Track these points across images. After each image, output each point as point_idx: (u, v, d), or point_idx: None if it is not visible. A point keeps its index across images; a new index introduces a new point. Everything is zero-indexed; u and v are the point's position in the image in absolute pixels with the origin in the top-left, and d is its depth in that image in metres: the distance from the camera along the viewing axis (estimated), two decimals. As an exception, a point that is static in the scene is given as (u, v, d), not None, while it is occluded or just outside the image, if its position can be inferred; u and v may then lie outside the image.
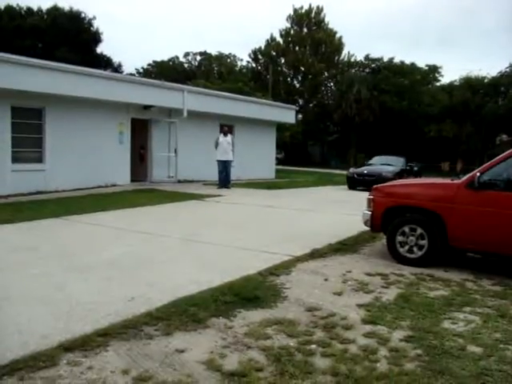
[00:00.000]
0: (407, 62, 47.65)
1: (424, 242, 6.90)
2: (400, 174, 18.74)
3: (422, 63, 49.47)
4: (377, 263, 7.03)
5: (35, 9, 44.46)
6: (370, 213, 7.50)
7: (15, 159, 14.14)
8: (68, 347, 3.83)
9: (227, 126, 19.26)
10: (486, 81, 40.58)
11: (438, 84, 48.36)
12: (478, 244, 6.65)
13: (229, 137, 17.54)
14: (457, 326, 4.61)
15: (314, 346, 4.05)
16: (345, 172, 33.78)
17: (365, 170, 19.54)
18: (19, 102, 14.11)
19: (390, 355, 3.94)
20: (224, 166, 17.46)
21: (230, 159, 17.59)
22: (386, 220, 7.31)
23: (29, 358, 3.63)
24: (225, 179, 17.49)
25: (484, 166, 6.73)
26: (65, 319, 4.45)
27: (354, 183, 19.05)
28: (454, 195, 6.73)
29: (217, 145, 17.47)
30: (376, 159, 22.25)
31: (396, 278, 6.27)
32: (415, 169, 22.26)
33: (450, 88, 42.26)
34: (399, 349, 4.05)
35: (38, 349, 3.79)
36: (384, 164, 20.43)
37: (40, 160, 14.92)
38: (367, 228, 7.87)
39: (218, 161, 17.54)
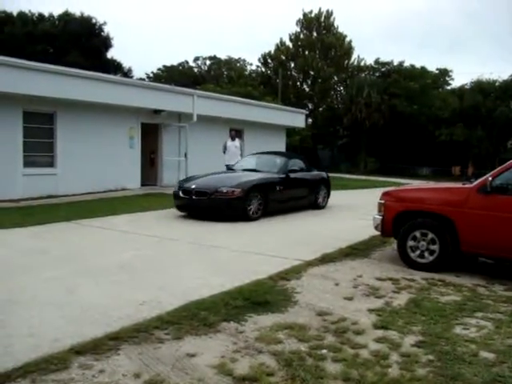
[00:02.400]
0: (417, 65, 47.44)
1: (435, 247, 6.87)
2: (266, 187, 11.70)
3: (432, 67, 49.34)
4: (387, 268, 7.00)
5: (47, 15, 44.80)
6: (380, 217, 7.47)
7: (27, 163, 14.24)
8: (79, 350, 3.85)
9: (235, 130, 19.22)
10: (497, 84, 40.29)
11: (448, 88, 48.05)
12: (490, 249, 6.60)
13: (237, 141, 17.47)
14: (469, 332, 4.57)
15: (324, 351, 4.04)
16: (355, 176, 33.85)
17: (194, 183, 11.59)
18: (31, 107, 14.22)
19: (402, 360, 3.92)
20: None
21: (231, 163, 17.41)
22: (397, 225, 7.27)
23: (41, 360, 3.65)
24: None
25: (496, 170, 6.69)
26: (76, 322, 4.48)
27: (182, 205, 11.66)
28: (465, 200, 6.69)
29: (225, 149, 17.45)
30: (247, 160, 14.22)
31: (407, 282, 6.24)
32: (313, 177, 13.80)
33: (460, 92, 41.98)
34: (411, 354, 4.03)
35: (50, 352, 3.81)
36: (251, 170, 12.80)
37: (51, 164, 15.01)
38: (377, 232, 7.85)
39: (227, 165, 17.53)
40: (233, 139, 17.39)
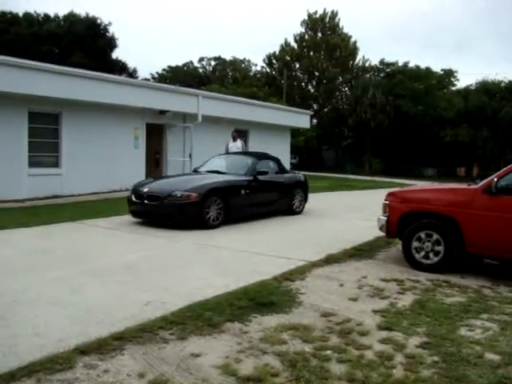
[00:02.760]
0: (422, 66, 47.39)
1: (440, 248, 6.85)
2: (228, 190, 10.58)
3: (437, 67, 49.19)
4: (392, 269, 6.98)
5: (52, 15, 44.98)
6: (385, 218, 7.45)
7: (32, 164, 14.28)
8: (84, 350, 3.86)
9: (237, 131, 19.10)
10: (502, 85, 40.21)
11: (453, 88, 47.95)
12: (495, 250, 6.58)
13: (238, 142, 17.33)
14: (474, 333, 4.56)
15: (329, 352, 4.03)
16: (360, 177, 33.80)
17: (147, 186, 10.56)
18: (36, 107, 14.26)
19: (406, 362, 3.91)
20: None
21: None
22: (402, 226, 7.26)
23: (46, 360, 3.66)
24: None
25: (501, 171, 6.66)
26: (81, 322, 4.48)
27: (135, 211, 10.49)
28: (470, 201, 6.67)
29: (227, 151, 17.42)
30: (215, 161, 12.67)
31: (412, 283, 6.23)
32: (288, 180, 12.60)
33: (465, 92, 41.91)
34: (415, 355, 4.02)
35: (55, 351, 3.82)
36: (216, 172, 11.58)
37: (56, 164, 15.05)
38: (382, 233, 7.83)
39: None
40: (234, 140, 17.32)
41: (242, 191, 10.84)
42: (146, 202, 9.99)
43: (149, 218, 10.25)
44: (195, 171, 12.46)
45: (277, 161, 12.94)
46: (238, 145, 17.25)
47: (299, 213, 12.46)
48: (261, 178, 11.45)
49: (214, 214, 10.05)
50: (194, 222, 9.78)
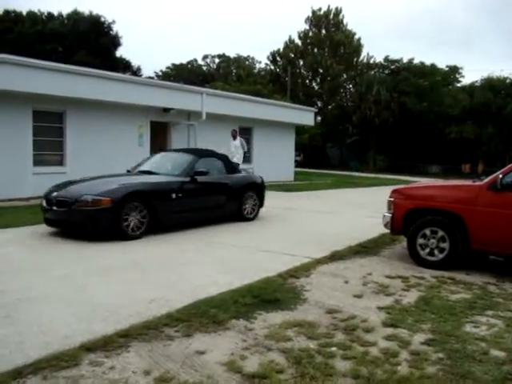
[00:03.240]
0: (427, 62, 47.24)
1: (445, 245, 6.84)
2: (155, 194, 9.07)
3: (442, 64, 49.04)
4: (397, 266, 6.98)
5: (56, 14, 45.06)
6: (390, 215, 7.45)
7: (36, 162, 14.31)
8: (90, 347, 3.88)
9: (244, 128, 19.00)
10: (507, 81, 40.05)
11: (458, 85, 47.76)
12: (501, 247, 6.56)
13: (237, 140, 17.33)
14: (479, 330, 4.56)
15: (334, 349, 4.03)
16: (364, 174, 33.76)
17: (59, 190, 9.00)
18: (40, 106, 14.29)
19: (411, 358, 3.91)
20: None
21: (236, 163, 17.36)
22: (407, 222, 7.25)
23: (52, 357, 3.68)
24: None
25: (506, 167, 6.64)
26: (86, 320, 4.50)
27: (46, 219, 8.97)
28: (475, 197, 6.65)
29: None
30: (150, 160, 11.30)
31: (417, 280, 6.22)
32: (237, 181, 10.98)
33: (471, 89, 41.75)
34: (420, 352, 4.02)
35: (61, 349, 3.84)
36: (148, 172, 10.14)
37: (61, 163, 15.07)
38: (387, 230, 7.83)
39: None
40: (234, 138, 17.31)
41: (173, 195, 9.25)
42: (55, 208, 8.58)
43: (60, 227, 8.92)
44: (128, 172, 10.70)
45: (224, 159, 11.31)
46: (236, 143, 17.20)
47: (251, 219, 10.87)
48: (200, 179, 9.86)
49: (135, 223, 8.51)
50: (109, 231, 8.31)
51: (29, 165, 14.08)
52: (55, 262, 6.76)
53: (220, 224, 10.19)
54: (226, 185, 10.57)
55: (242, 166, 17.27)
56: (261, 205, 11.35)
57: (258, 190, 11.31)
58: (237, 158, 17.15)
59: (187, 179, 9.68)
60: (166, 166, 10.38)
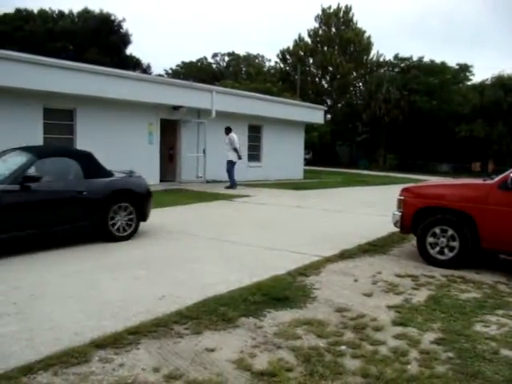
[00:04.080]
0: (437, 60, 47.05)
1: (455, 244, 6.80)
2: None
3: (452, 62, 48.85)
4: (407, 264, 6.96)
5: (66, 12, 45.29)
6: (400, 214, 7.42)
7: (47, 159, 14.36)
8: (100, 344, 3.89)
9: (253, 126, 18.86)
10: (518, 80, 39.80)
11: (468, 83, 47.54)
12: (511, 245, 6.52)
13: (228, 136, 17.39)
14: (489, 329, 4.53)
15: (343, 347, 4.03)
16: (374, 173, 33.63)
17: None
18: (51, 104, 14.37)
19: (421, 357, 3.89)
20: (226, 167, 17.45)
21: (227, 159, 17.44)
22: (417, 221, 7.22)
23: (62, 353, 3.70)
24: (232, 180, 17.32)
25: (517, 166, 6.60)
26: (96, 317, 4.52)
27: None
28: (486, 196, 6.61)
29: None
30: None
31: (426, 279, 6.20)
32: (99, 188, 8.17)
33: (481, 87, 41.56)
34: (430, 351, 4.00)
35: (71, 345, 3.86)
36: None
37: (71, 160, 15.12)
38: (396, 229, 7.79)
39: None
40: (226, 135, 17.34)
41: None
42: None
43: None
44: None
45: (83, 159, 8.43)
46: (226, 140, 17.25)
47: (124, 238, 8.18)
48: (36, 186, 7.31)
49: None
50: None
51: (39, 162, 14.13)
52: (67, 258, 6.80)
53: (69, 247, 7.52)
54: (80, 193, 7.80)
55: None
56: (142, 218, 8.62)
57: (135, 199, 8.53)
58: (228, 155, 17.17)
59: (15, 187, 7.10)
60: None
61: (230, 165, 17.29)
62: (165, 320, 4.43)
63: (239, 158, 17.49)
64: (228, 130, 17.49)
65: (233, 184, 17.19)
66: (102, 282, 5.65)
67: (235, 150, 17.31)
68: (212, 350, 3.89)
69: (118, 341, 3.97)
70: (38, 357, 3.64)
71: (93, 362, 3.64)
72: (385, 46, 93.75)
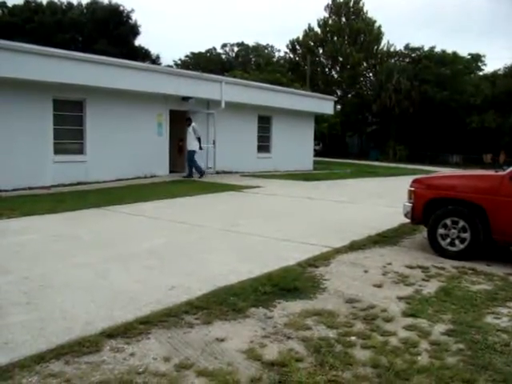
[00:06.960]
0: (449, 50, 46.53)
1: (466, 235, 6.77)
2: None
3: (464, 52, 48.31)
4: (417, 256, 6.93)
5: (75, 3, 45.32)
6: (410, 205, 7.39)
7: (57, 151, 14.42)
8: (111, 334, 3.92)
9: (263, 117, 18.57)
10: (531, 69, 39.42)
11: (480, 73, 47.07)
12: (523, 237, 6.48)
13: (191, 126, 17.38)
14: (500, 321, 4.51)
15: (353, 338, 4.03)
16: (384, 164, 33.48)
17: None
18: (61, 95, 14.38)
19: (431, 349, 3.89)
20: (188, 156, 17.57)
21: (188, 149, 17.52)
22: (427, 212, 7.19)
23: (73, 343, 3.73)
24: (190, 170, 17.51)
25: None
26: (107, 307, 4.54)
27: None
28: (497, 187, 6.57)
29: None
30: None
31: (437, 271, 6.18)
32: None
33: (493, 77, 41.15)
34: (440, 342, 3.99)
35: (82, 335, 3.88)
36: None
37: (81, 151, 15.19)
38: (407, 220, 7.77)
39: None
40: (188, 126, 17.33)
41: None
42: None
43: None
44: None
45: None
46: (189, 129, 17.36)
47: None
48: None
49: None
50: None
51: (49, 153, 14.21)
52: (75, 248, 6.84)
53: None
54: None
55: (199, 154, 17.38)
56: None
57: None
58: (192, 145, 17.16)
59: None
60: None
61: (193, 153, 17.39)
62: (175, 310, 4.45)
63: (200, 148, 17.48)
64: (189, 121, 17.49)
65: (201, 172, 17.53)
66: (112, 272, 5.68)
67: (199, 139, 17.34)
68: (222, 340, 3.91)
69: (129, 330, 4.00)
70: (49, 346, 3.67)
71: (104, 351, 3.66)
72: (395, 36, 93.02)
